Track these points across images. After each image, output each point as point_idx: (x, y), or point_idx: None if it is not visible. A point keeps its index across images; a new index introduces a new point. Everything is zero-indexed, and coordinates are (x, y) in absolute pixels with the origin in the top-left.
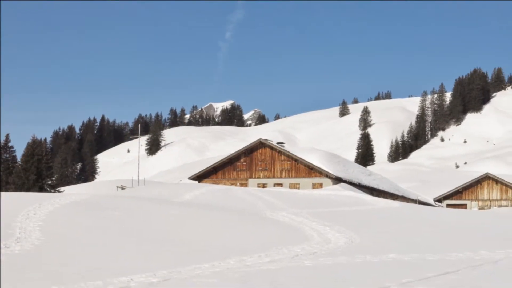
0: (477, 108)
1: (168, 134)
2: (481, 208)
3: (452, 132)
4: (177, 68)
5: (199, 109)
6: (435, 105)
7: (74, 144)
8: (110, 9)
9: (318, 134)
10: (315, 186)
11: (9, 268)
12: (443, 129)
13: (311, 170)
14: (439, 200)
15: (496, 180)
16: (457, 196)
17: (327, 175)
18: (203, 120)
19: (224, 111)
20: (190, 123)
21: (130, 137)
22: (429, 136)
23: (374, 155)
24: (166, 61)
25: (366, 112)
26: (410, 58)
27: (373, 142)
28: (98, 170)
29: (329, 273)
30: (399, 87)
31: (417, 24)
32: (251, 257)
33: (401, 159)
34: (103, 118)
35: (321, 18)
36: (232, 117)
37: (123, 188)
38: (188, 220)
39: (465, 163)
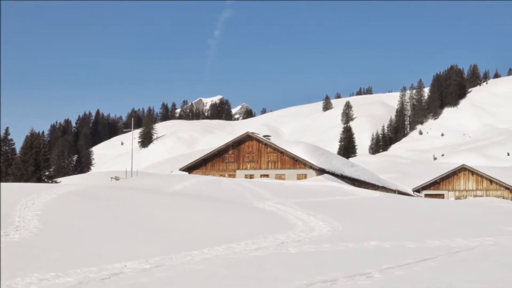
0: (454, 102)
1: (160, 128)
2: (457, 198)
3: (430, 126)
4: (169, 65)
5: (190, 103)
6: (414, 100)
7: (71, 137)
8: (106, 9)
9: (303, 127)
10: (300, 177)
11: (8, 255)
12: (422, 123)
13: (296, 162)
14: (418, 190)
15: (472, 171)
16: (434, 187)
17: (311, 167)
18: (193, 114)
19: (213, 106)
20: (181, 117)
21: (124, 130)
22: (408, 129)
23: (356, 147)
24: (158, 58)
25: (348, 106)
26: (390, 55)
27: (354, 135)
28: (93, 161)
29: (313, 260)
30: (379, 83)
31: (397, 23)
32: (239, 245)
33: (381, 151)
34: (98, 112)
35: (305, 17)
36: (221, 111)
37: (117, 179)
38: (179, 210)
39: (443, 155)
